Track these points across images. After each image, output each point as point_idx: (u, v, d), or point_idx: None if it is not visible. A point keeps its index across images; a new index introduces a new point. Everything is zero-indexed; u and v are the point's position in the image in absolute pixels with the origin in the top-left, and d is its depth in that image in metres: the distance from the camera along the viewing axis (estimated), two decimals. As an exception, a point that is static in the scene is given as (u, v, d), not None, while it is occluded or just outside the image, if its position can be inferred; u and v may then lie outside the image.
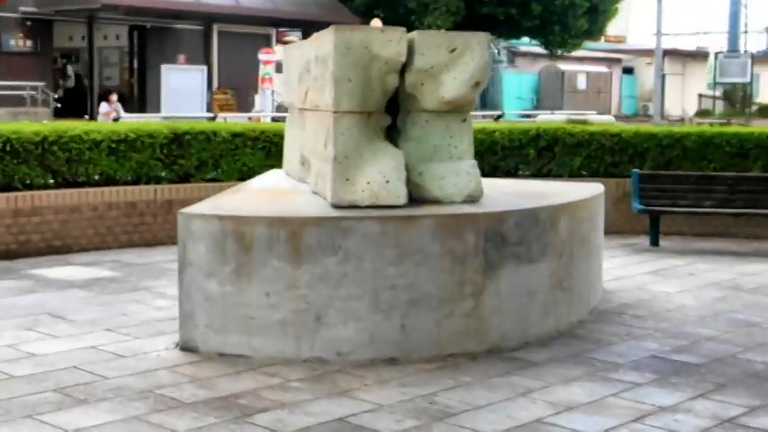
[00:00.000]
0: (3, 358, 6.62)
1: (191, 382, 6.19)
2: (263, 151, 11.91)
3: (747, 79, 40.31)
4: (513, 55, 47.23)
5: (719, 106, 42.11)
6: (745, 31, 46.47)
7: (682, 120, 42.34)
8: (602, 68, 52.78)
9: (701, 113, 40.44)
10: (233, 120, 23.55)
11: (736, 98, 40.95)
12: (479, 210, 7.08)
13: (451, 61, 7.02)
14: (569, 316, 7.77)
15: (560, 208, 7.65)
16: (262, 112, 27.20)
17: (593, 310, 8.23)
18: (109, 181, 10.97)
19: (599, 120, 17.18)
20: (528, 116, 32.11)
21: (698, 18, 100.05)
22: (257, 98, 28.40)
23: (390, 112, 7.27)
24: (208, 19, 25.69)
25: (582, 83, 50.66)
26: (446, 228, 6.83)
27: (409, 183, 7.06)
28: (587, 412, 5.75)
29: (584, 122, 14.10)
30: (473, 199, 7.27)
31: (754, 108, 39.93)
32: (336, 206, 6.89)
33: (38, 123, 11.28)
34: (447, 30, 29.74)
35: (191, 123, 12.38)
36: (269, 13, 26.35)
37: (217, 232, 6.76)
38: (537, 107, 45.20)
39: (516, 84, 46.07)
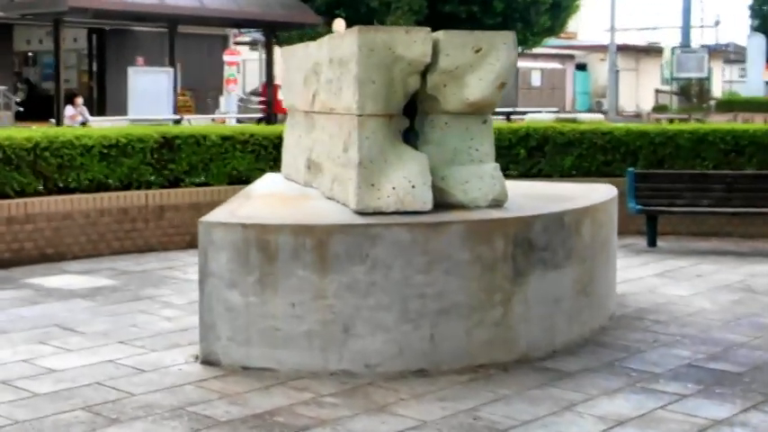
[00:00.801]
0: (22, 374, 6.33)
1: (221, 398, 5.93)
2: (253, 154, 11.64)
3: (704, 74, 40.47)
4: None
5: (676, 102, 42.28)
6: (701, 26, 46.69)
7: (638, 116, 42.49)
8: (556, 65, 52.95)
9: (659, 109, 40.53)
10: (196, 122, 23.25)
11: (693, 93, 41.11)
12: (508, 215, 6.90)
13: (477, 62, 6.82)
14: (592, 322, 7.61)
15: (583, 211, 7.49)
16: (226, 114, 26.88)
17: (611, 315, 8.07)
18: (99, 187, 10.65)
19: (588, 118, 17.07)
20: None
21: (647, 14, 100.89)
22: (222, 99, 28.07)
23: (405, 115, 7.06)
24: (172, 20, 25.25)
25: (536, 80, 50.81)
26: (476, 234, 6.63)
27: (433, 187, 6.84)
28: (640, 427, 5.55)
29: (574, 121, 13.98)
30: (498, 203, 7.10)
31: (712, 103, 40.11)
32: (361, 213, 6.66)
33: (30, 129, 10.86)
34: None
35: (180, 127, 12.09)
36: (233, 14, 25.91)
37: (239, 241, 6.51)
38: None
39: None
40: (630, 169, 11.77)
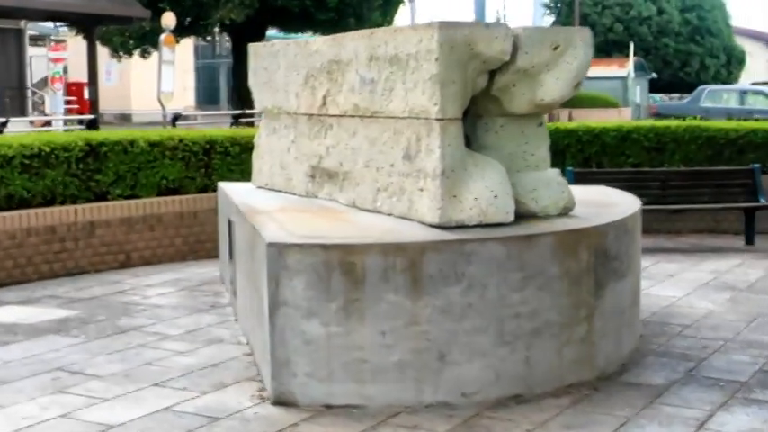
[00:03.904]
0: (79, 435, 5.34)
1: (336, 446, 5.21)
2: (183, 162, 10.65)
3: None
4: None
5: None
6: (498, 19, 47.51)
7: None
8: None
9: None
10: (14, 125, 21.55)
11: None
12: (587, 224, 6.44)
13: (553, 60, 6.32)
14: (638, 331, 7.30)
15: (636, 218, 7.14)
16: (51, 116, 25.14)
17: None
18: (21, 203, 9.44)
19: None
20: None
21: (438, 7, 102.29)
22: (47, 99, 26.24)
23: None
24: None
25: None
26: (564, 246, 6.14)
27: (502, 197, 6.30)
28: (799, 444, 5.27)
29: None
30: (567, 211, 6.65)
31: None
32: (443, 227, 6.05)
33: None
34: (239, 24, 28.64)
35: (104, 133, 10.92)
36: (54, 6, 24.18)
37: (319, 264, 5.74)
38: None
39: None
40: (569, 168, 11.56)
